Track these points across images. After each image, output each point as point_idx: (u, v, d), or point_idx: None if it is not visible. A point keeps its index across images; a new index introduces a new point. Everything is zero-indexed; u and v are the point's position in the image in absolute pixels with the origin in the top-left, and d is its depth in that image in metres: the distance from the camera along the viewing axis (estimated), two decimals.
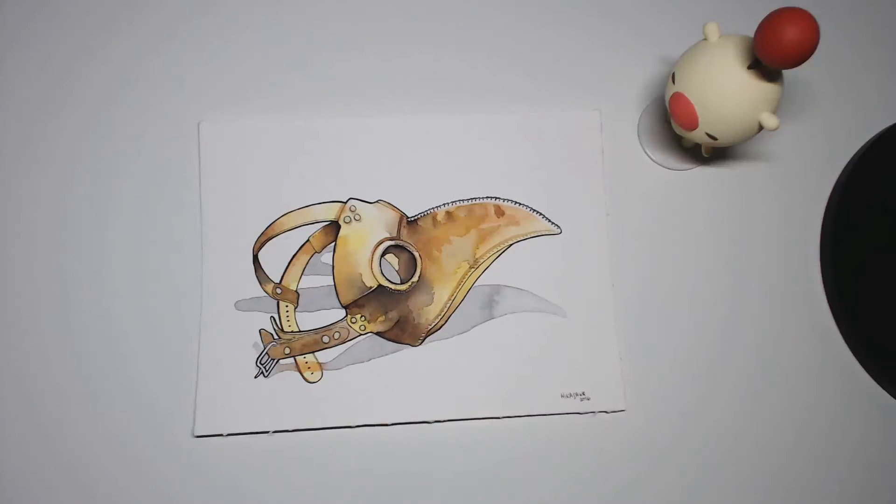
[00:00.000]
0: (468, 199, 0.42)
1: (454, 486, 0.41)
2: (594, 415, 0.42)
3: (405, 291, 0.42)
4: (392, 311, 0.42)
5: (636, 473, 0.42)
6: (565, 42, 0.46)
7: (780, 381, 0.43)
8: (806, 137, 0.45)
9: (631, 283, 0.44)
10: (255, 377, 0.42)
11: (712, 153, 0.44)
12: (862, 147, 0.45)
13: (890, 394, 0.44)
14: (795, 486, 0.43)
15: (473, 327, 0.42)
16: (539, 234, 0.42)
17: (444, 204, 0.43)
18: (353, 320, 0.42)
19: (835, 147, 0.45)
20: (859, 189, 0.44)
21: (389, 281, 0.43)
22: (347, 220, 0.43)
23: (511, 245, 0.42)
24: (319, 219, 0.42)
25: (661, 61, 0.45)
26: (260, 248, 0.42)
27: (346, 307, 0.42)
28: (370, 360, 0.42)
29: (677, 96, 0.38)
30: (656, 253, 0.44)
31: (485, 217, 0.42)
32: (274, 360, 0.42)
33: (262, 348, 0.42)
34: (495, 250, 0.42)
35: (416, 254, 0.42)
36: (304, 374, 0.42)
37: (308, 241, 0.43)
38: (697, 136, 0.39)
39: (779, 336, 0.44)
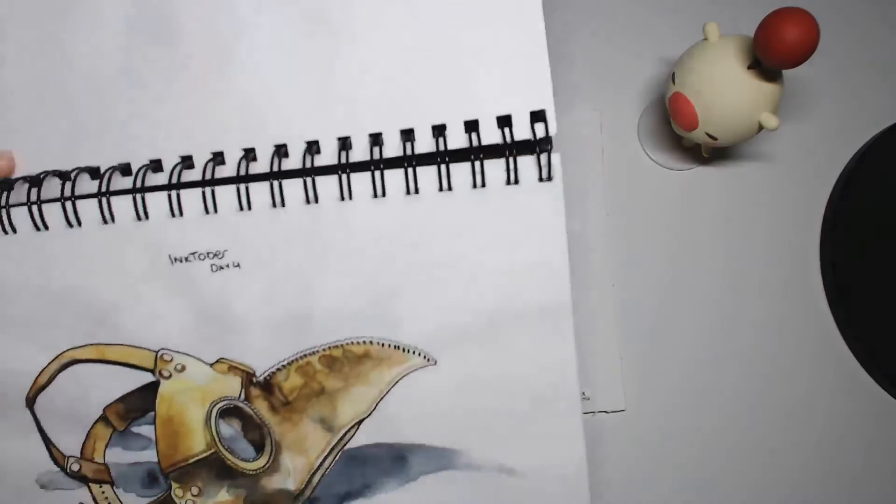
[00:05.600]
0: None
1: None
2: (594, 415, 0.42)
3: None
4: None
5: (636, 473, 0.42)
6: (565, 42, 0.46)
7: (780, 380, 0.43)
8: (806, 137, 0.45)
9: (631, 283, 0.44)
10: None
11: (712, 153, 0.44)
12: (862, 147, 0.45)
13: (890, 394, 0.44)
14: (795, 486, 0.43)
15: None
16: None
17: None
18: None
19: (835, 147, 0.45)
20: (859, 189, 0.44)
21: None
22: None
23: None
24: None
25: (661, 61, 0.45)
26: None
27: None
28: None
29: (677, 96, 0.38)
30: (656, 253, 0.44)
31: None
32: None
33: None
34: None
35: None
36: None
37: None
38: (697, 136, 0.39)
39: (779, 336, 0.44)
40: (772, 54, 0.34)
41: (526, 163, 0.30)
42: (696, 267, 0.44)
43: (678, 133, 0.41)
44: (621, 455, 0.43)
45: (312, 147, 0.31)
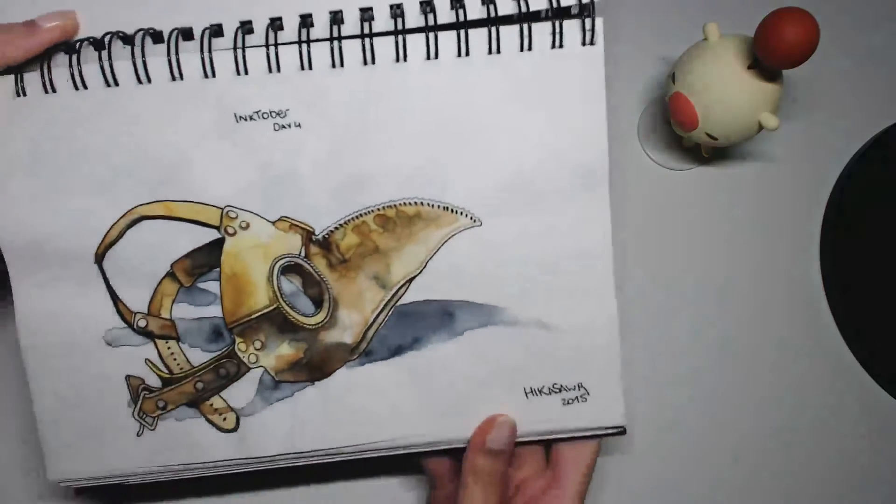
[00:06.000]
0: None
1: None
2: None
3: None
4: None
5: (637, 475, 0.42)
6: None
7: (780, 380, 0.44)
8: (806, 137, 0.45)
9: (631, 283, 0.44)
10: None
11: (712, 153, 0.44)
12: (862, 147, 0.45)
13: (890, 394, 0.44)
14: (795, 486, 0.43)
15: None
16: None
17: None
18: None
19: (835, 147, 0.45)
20: (859, 189, 0.44)
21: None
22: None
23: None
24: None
25: (661, 61, 0.45)
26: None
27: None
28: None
29: (677, 96, 0.38)
30: (656, 253, 0.44)
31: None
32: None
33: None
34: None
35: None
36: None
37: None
38: (697, 136, 0.39)
39: (778, 336, 0.44)
40: (772, 54, 0.34)
41: (570, 26, 0.32)
42: (696, 267, 0.44)
43: (678, 133, 0.41)
44: (621, 456, 0.43)
45: (366, 13, 0.33)
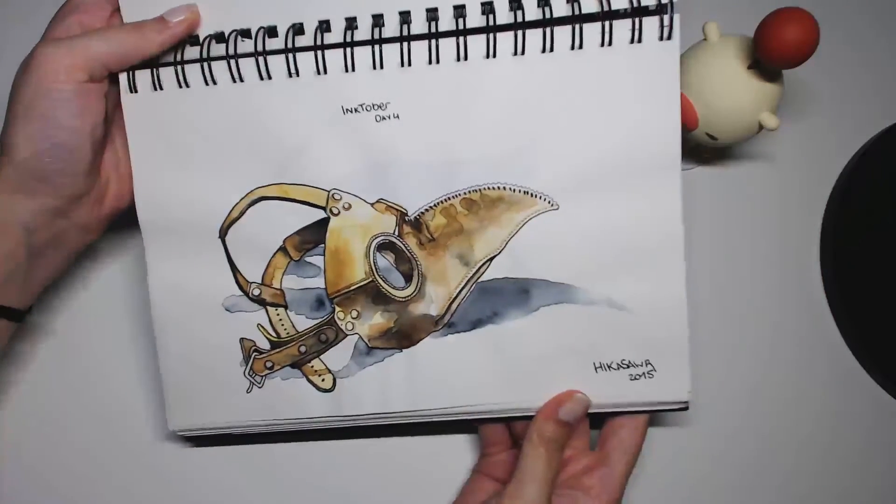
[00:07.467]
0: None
1: (459, 484, 0.41)
2: None
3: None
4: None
5: (635, 473, 0.42)
6: None
7: (780, 380, 0.45)
8: (806, 137, 0.46)
9: None
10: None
11: (712, 153, 0.44)
12: (862, 147, 0.45)
13: (890, 394, 0.44)
14: (795, 486, 0.43)
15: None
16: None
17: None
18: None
19: (835, 147, 0.46)
20: (859, 189, 0.45)
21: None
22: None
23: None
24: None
25: None
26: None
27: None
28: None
29: None
30: None
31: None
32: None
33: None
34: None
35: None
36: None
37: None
38: (697, 136, 0.40)
39: (778, 335, 0.45)
40: (772, 54, 0.35)
41: (649, 23, 0.35)
42: (696, 267, 0.44)
43: None
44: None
45: (460, 10, 0.36)
